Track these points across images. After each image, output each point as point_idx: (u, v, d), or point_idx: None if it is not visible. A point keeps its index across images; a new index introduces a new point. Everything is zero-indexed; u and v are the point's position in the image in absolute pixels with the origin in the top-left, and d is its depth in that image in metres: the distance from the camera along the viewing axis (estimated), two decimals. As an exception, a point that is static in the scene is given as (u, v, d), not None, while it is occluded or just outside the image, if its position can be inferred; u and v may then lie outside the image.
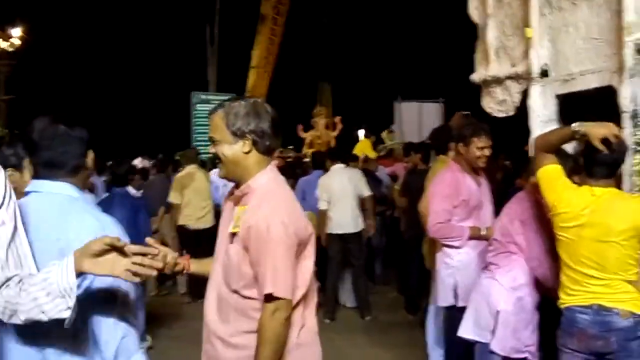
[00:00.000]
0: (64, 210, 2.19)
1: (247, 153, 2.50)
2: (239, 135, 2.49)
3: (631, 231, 3.25)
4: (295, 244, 2.43)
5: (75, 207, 2.21)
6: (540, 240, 3.86)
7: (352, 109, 21.29)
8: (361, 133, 17.26)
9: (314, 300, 2.65)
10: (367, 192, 8.05)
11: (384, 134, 16.32)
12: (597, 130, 3.32)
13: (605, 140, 3.30)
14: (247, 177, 2.53)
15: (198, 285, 8.77)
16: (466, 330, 4.09)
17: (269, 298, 2.39)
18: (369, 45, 23.64)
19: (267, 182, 2.51)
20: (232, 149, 2.51)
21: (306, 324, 2.56)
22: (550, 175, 3.52)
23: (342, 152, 8.85)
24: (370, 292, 8.36)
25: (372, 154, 13.04)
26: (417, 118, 15.49)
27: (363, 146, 14.43)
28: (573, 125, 3.46)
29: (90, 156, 2.35)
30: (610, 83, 4.28)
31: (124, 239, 2.18)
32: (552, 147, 3.58)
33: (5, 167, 2.78)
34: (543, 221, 3.78)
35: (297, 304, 2.50)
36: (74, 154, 2.27)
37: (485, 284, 4.05)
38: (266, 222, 2.39)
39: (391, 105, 16.00)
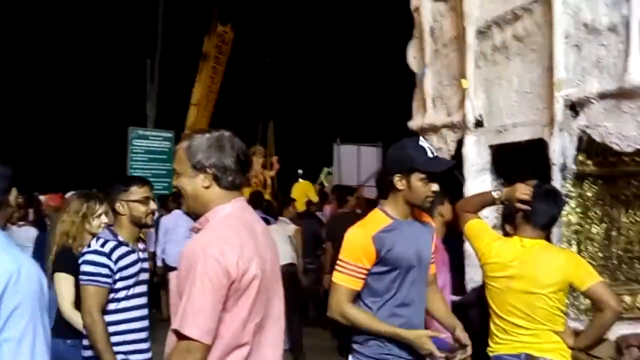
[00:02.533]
0: None
1: (207, 188, 2.35)
2: (198, 168, 2.34)
3: (558, 284, 3.31)
4: (224, 285, 2.18)
5: None
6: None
7: (293, 148, 21.37)
8: (299, 173, 17.31)
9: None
10: (292, 227, 8.05)
11: (322, 176, 16.42)
12: (514, 195, 3.45)
13: (523, 202, 3.43)
14: (206, 212, 2.37)
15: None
16: None
17: (178, 335, 2.17)
18: (310, 87, 23.88)
19: (223, 215, 2.34)
20: (192, 183, 2.36)
21: None
22: (478, 227, 3.62)
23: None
24: (303, 335, 8.26)
25: (315, 197, 13.06)
26: (356, 161, 15.64)
27: (305, 188, 14.45)
28: (493, 192, 3.65)
29: (13, 194, 2.26)
30: (540, 136, 4.41)
31: (41, 278, 2.11)
32: (475, 209, 3.69)
33: None
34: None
35: (225, 356, 2.23)
36: None
37: None
38: (196, 253, 2.20)
39: (330, 147, 16.13)
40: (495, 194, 3.60)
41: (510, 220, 3.65)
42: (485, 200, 3.70)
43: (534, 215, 3.41)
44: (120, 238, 3.43)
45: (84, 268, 3.33)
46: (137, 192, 3.47)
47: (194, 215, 2.46)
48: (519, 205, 3.45)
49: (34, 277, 2.09)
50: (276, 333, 2.43)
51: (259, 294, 2.28)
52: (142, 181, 3.59)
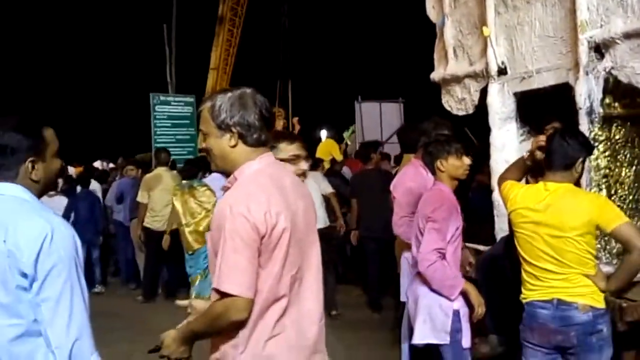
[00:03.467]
0: (13, 212, 2.13)
1: (233, 146, 2.36)
2: (224, 128, 2.35)
3: (585, 227, 3.29)
4: (255, 240, 2.21)
5: (26, 209, 2.16)
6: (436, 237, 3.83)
7: (312, 108, 21.30)
8: (323, 134, 17.28)
9: (296, 313, 2.35)
10: (329, 189, 8.07)
11: (346, 134, 16.37)
12: (533, 147, 3.60)
13: (541, 148, 3.50)
14: (234, 171, 2.40)
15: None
16: (423, 336, 4.03)
17: (219, 293, 2.22)
18: (329, 45, 23.67)
19: (250, 172, 2.36)
20: (218, 143, 2.37)
21: (281, 335, 2.30)
22: (510, 183, 3.65)
23: None
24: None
25: (339, 156, 13.04)
26: (378, 117, 15.57)
27: (329, 147, 14.43)
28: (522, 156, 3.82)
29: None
30: (566, 80, 4.34)
31: (75, 238, 2.17)
32: (514, 177, 3.73)
33: None
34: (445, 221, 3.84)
35: (266, 309, 2.27)
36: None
37: (428, 290, 3.99)
38: (224, 212, 2.24)
39: (351, 105, 16.06)
40: (524, 155, 3.72)
41: (533, 172, 3.66)
42: (518, 166, 3.78)
43: (550, 157, 3.40)
44: None
45: None
46: (285, 149, 3.03)
47: (225, 174, 2.48)
48: (537, 153, 3.50)
49: (69, 238, 2.15)
50: (314, 284, 2.45)
51: (290, 247, 2.30)
52: (292, 138, 3.24)
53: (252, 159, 2.38)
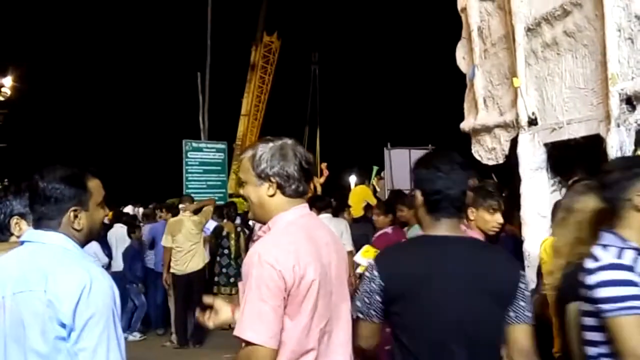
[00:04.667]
0: (53, 261, 2.17)
1: (271, 196, 2.40)
2: (263, 177, 2.39)
3: None
4: (281, 289, 2.19)
5: (67, 258, 2.21)
6: None
7: (341, 154, 21.40)
8: (352, 179, 17.30)
9: None
10: (348, 246, 7.74)
11: (374, 181, 16.35)
12: None
13: None
14: (270, 220, 2.42)
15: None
16: None
17: (242, 341, 2.19)
18: (358, 92, 23.91)
19: (284, 223, 2.37)
20: (257, 192, 2.41)
21: None
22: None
23: (329, 202, 8.78)
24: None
25: (373, 201, 13.00)
26: (407, 165, 15.55)
27: (363, 194, 14.37)
28: None
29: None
30: (597, 132, 4.34)
31: (114, 289, 2.21)
32: None
33: (11, 216, 2.81)
34: None
35: None
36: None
37: None
38: (253, 260, 2.24)
39: (380, 152, 16.10)
40: None
41: None
42: None
43: None
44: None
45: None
46: None
47: (262, 223, 2.49)
48: None
49: (107, 288, 2.18)
50: (344, 338, 2.42)
51: (320, 299, 2.28)
52: None
53: (287, 210, 2.40)
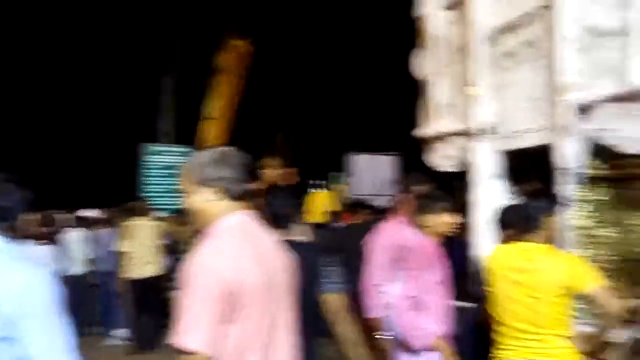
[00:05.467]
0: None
1: (211, 202, 2.40)
2: (203, 184, 2.40)
3: (560, 289, 3.30)
4: (218, 295, 2.16)
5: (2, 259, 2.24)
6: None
7: (308, 160, 21.38)
8: (317, 185, 17.28)
9: None
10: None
11: (337, 188, 16.36)
12: None
13: None
14: (211, 225, 2.42)
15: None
16: None
17: (179, 348, 2.15)
18: (322, 99, 23.96)
19: (223, 228, 2.37)
20: (197, 199, 2.42)
21: None
22: None
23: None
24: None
25: (338, 207, 12.97)
26: (372, 171, 15.63)
27: (326, 199, 14.36)
28: None
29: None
30: (550, 141, 4.38)
31: (56, 287, 2.30)
32: None
33: None
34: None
35: None
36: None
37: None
38: (191, 265, 2.22)
39: (341, 158, 16.15)
40: None
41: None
42: None
43: (520, 220, 3.53)
44: None
45: None
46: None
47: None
48: None
49: (45, 287, 2.26)
50: (286, 345, 2.41)
51: (261, 305, 2.27)
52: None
53: (227, 215, 2.39)
